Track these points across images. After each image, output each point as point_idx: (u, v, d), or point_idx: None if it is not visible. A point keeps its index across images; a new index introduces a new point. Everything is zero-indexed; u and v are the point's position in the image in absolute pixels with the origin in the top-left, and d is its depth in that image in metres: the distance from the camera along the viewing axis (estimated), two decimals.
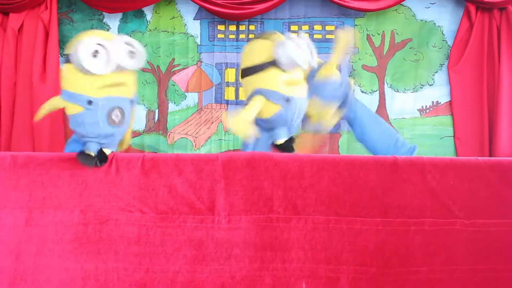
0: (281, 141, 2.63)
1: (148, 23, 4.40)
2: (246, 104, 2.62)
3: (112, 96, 2.42)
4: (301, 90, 2.65)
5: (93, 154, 2.36)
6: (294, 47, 2.55)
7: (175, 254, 2.27)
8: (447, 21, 4.18)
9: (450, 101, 4.19)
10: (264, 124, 2.65)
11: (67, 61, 2.44)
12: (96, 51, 2.38)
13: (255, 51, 2.66)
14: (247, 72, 2.64)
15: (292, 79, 2.60)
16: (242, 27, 4.31)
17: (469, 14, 4.08)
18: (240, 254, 2.26)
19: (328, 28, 4.25)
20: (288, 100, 2.56)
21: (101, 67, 2.38)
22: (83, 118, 2.39)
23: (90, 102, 2.37)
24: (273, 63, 2.56)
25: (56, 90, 4.11)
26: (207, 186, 2.28)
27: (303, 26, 4.27)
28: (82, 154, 2.36)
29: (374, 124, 3.05)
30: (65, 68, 2.48)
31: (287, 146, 2.63)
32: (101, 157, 2.37)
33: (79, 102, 2.39)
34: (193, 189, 2.28)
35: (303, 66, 2.61)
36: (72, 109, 2.41)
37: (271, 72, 2.56)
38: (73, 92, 2.41)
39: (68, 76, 2.45)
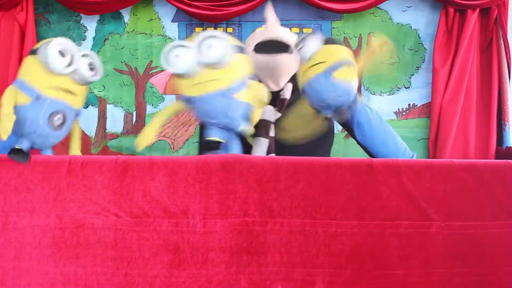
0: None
1: (126, 25, 4.35)
2: None
3: (61, 100, 2.44)
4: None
5: (24, 150, 2.35)
6: None
7: (153, 259, 2.25)
8: (423, 24, 4.21)
9: (427, 103, 4.24)
10: None
11: (33, 53, 2.46)
12: (64, 51, 2.42)
13: None
14: None
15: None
16: (220, 30, 4.30)
17: (447, 16, 4.11)
18: (216, 259, 2.25)
19: (305, 30, 4.24)
20: None
21: (63, 67, 2.41)
22: (26, 111, 2.39)
23: (38, 97, 2.38)
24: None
25: None
26: (181, 189, 2.25)
27: None
28: (14, 150, 2.34)
29: (383, 130, 2.83)
30: (27, 59, 2.50)
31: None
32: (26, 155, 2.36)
33: (28, 93, 2.40)
34: (167, 193, 2.25)
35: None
36: (21, 100, 2.41)
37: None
38: (27, 82, 2.43)
39: (28, 66, 2.47)
